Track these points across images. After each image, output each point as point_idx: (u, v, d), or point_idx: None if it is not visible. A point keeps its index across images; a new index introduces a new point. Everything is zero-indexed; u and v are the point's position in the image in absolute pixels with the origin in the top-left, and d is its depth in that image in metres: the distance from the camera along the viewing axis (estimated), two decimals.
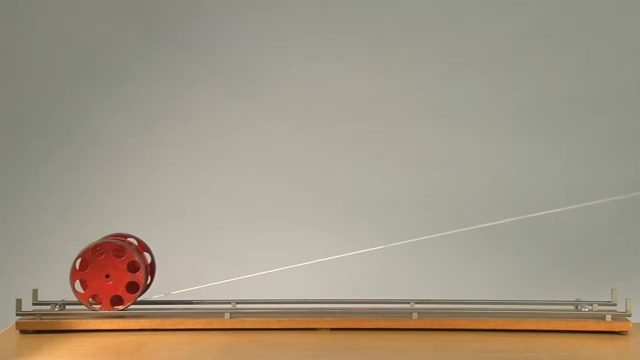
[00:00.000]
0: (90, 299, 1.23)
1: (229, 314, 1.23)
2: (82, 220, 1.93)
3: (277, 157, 1.95)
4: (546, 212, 1.28)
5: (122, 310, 1.23)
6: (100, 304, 1.23)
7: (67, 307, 1.27)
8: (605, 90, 1.93)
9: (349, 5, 1.94)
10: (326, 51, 1.93)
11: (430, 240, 1.93)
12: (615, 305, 1.26)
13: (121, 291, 1.23)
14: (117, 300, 1.23)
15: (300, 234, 1.93)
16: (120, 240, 1.25)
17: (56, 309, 1.25)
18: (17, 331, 1.22)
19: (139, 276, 1.23)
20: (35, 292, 1.27)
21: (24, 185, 1.93)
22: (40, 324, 1.22)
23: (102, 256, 1.23)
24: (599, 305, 1.26)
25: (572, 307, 1.27)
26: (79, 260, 1.23)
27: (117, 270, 1.23)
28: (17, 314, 1.23)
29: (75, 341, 1.17)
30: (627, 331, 1.21)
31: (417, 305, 1.27)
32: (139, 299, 1.25)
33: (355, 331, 1.22)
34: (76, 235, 1.92)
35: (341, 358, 1.12)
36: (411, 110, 1.95)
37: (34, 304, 1.26)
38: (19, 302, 1.23)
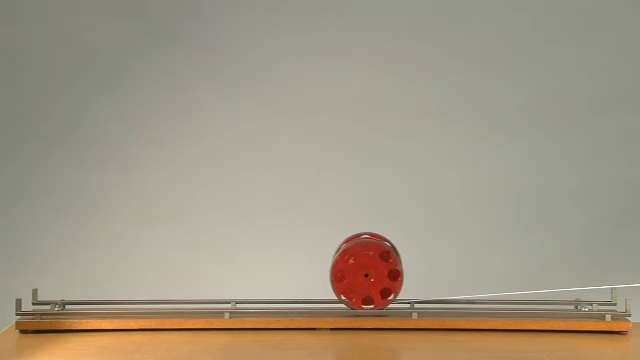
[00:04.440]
0: (363, 304, 1.24)
1: (229, 314, 1.23)
2: (82, 220, 1.93)
3: (277, 157, 1.95)
4: None
5: (393, 299, 1.23)
6: (372, 304, 1.23)
7: (67, 307, 1.27)
8: (605, 90, 1.93)
9: (349, 5, 1.94)
10: (326, 51, 1.94)
11: (429, 240, 1.94)
12: (615, 305, 1.26)
13: (386, 282, 1.23)
14: (386, 293, 1.23)
15: (300, 233, 1.94)
16: (358, 239, 1.25)
17: (56, 309, 1.25)
18: (17, 331, 1.22)
19: (394, 262, 1.23)
20: (35, 292, 1.27)
21: (24, 185, 1.94)
22: (40, 324, 1.22)
23: (353, 261, 1.23)
24: (599, 305, 1.26)
25: (572, 307, 1.27)
26: (336, 275, 1.23)
27: (373, 267, 1.23)
28: (17, 314, 1.23)
29: (75, 341, 1.17)
30: (627, 331, 1.21)
31: (417, 305, 1.27)
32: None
33: (355, 331, 1.22)
34: (76, 235, 1.93)
35: (341, 358, 1.12)
36: (411, 110, 1.95)
37: (34, 304, 1.26)
38: (19, 302, 1.23)
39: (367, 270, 1.23)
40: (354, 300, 1.23)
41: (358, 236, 1.27)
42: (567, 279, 1.88)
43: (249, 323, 1.23)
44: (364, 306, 1.24)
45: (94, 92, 1.93)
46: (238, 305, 1.27)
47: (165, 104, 1.94)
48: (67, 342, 1.17)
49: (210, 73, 1.94)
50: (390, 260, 1.23)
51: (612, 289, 1.27)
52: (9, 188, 1.93)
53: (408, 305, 1.27)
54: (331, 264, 1.24)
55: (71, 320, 1.22)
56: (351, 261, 1.23)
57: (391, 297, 1.24)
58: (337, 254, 1.24)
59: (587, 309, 1.25)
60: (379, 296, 1.23)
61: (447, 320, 1.23)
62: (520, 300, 1.29)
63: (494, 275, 1.90)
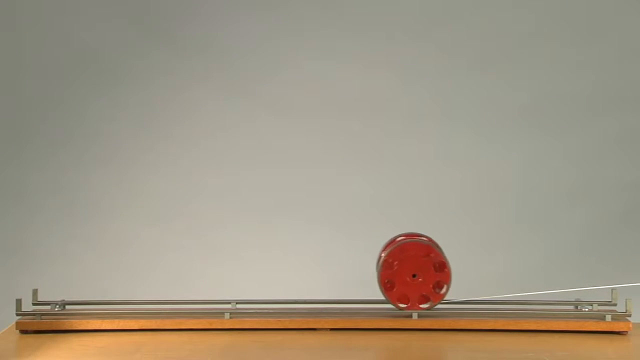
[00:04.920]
0: (419, 304, 1.23)
1: (229, 314, 1.23)
2: (82, 220, 1.93)
3: (276, 157, 1.95)
4: None
5: (447, 290, 1.23)
6: (429, 301, 1.23)
7: (67, 307, 1.27)
8: (606, 90, 1.93)
9: (349, 5, 1.94)
10: (326, 51, 1.93)
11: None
12: (615, 305, 1.26)
13: (435, 276, 1.23)
14: (439, 285, 1.23)
15: (300, 233, 1.94)
16: (394, 243, 1.25)
17: (56, 309, 1.25)
18: (17, 331, 1.22)
19: (436, 254, 1.23)
20: (35, 292, 1.27)
21: (24, 185, 1.93)
22: (40, 324, 1.22)
23: (396, 266, 1.23)
24: (599, 305, 1.26)
25: (572, 307, 1.27)
26: (385, 284, 1.23)
27: (418, 266, 1.23)
28: (17, 314, 1.23)
29: (75, 341, 1.17)
30: (627, 331, 1.21)
31: None
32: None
33: (355, 331, 1.22)
34: (76, 235, 1.93)
35: (341, 358, 1.12)
36: (411, 109, 1.95)
37: (34, 304, 1.26)
38: (19, 302, 1.23)
39: (414, 271, 1.23)
40: (409, 304, 1.23)
41: (393, 240, 1.27)
42: (567, 279, 1.88)
43: (249, 323, 1.23)
44: (421, 306, 1.23)
45: (94, 92, 1.93)
46: (238, 305, 1.27)
47: (165, 104, 1.94)
48: (67, 342, 1.17)
49: (210, 73, 1.94)
50: (432, 254, 1.23)
51: (612, 289, 1.27)
52: (9, 188, 1.93)
53: None
54: (377, 275, 1.24)
55: (71, 320, 1.22)
56: (395, 266, 1.23)
57: (444, 289, 1.23)
58: (380, 264, 1.24)
59: (587, 309, 1.25)
60: (433, 291, 1.23)
61: (447, 320, 1.23)
62: (520, 300, 1.29)
63: (494, 275, 1.90)
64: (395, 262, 1.23)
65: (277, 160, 1.95)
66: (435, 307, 1.27)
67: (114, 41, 1.93)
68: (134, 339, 1.19)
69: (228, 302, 1.27)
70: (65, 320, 1.22)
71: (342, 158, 1.95)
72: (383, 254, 1.25)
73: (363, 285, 1.90)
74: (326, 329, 1.23)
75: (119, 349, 1.14)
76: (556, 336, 1.20)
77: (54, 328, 1.22)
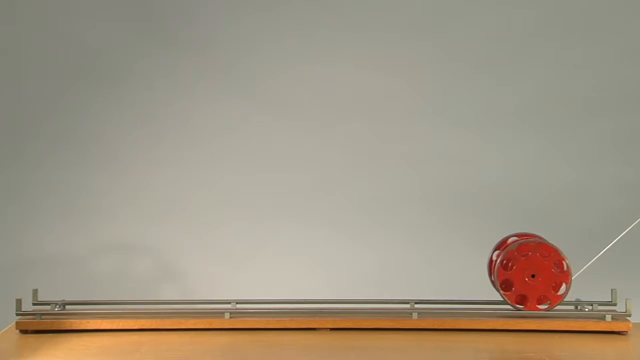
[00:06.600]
0: (538, 304, 1.22)
1: (229, 314, 1.23)
2: (82, 220, 1.93)
3: (277, 157, 1.95)
4: None
5: (566, 291, 1.22)
6: (547, 301, 1.22)
7: (67, 307, 1.27)
8: (604, 90, 1.93)
9: (349, 6, 1.94)
10: (326, 51, 1.94)
11: (428, 240, 1.94)
12: (615, 305, 1.26)
13: (554, 276, 1.22)
14: (558, 286, 1.22)
15: (300, 233, 1.93)
16: (507, 245, 1.24)
17: (56, 309, 1.25)
18: (17, 331, 1.22)
19: (555, 252, 1.22)
20: (35, 292, 1.27)
21: (24, 185, 1.93)
22: (40, 324, 1.22)
23: (514, 266, 1.22)
24: (599, 305, 1.26)
25: (572, 307, 1.27)
26: (503, 285, 1.23)
27: (536, 266, 1.22)
28: (17, 314, 1.23)
29: (75, 341, 1.17)
30: (627, 331, 1.21)
31: (417, 305, 1.27)
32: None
33: (355, 331, 1.22)
34: (76, 235, 1.93)
35: (341, 358, 1.12)
36: (411, 110, 1.95)
37: (34, 304, 1.26)
38: (19, 302, 1.23)
39: (533, 271, 1.22)
40: (528, 305, 1.22)
41: (505, 241, 1.27)
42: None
43: (249, 323, 1.23)
44: (539, 306, 1.23)
45: (94, 92, 1.93)
46: (238, 305, 1.27)
47: (165, 104, 1.94)
48: (67, 342, 1.17)
49: (210, 73, 1.94)
50: (551, 254, 1.22)
51: (612, 289, 1.27)
52: (9, 188, 1.93)
53: (408, 305, 1.27)
54: (493, 276, 1.24)
55: (71, 320, 1.22)
56: (512, 267, 1.22)
57: (564, 289, 1.22)
58: (497, 264, 1.23)
59: (587, 309, 1.25)
60: (552, 292, 1.22)
61: (447, 320, 1.23)
62: None
63: None
64: (512, 263, 1.22)
65: (277, 160, 1.95)
66: (435, 307, 1.27)
67: (114, 41, 1.93)
68: (134, 339, 1.19)
69: (228, 302, 1.27)
70: (65, 320, 1.22)
71: (341, 158, 1.95)
72: (497, 255, 1.24)
73: (363, 285, 1.90)
74: (326, 329, 1.23)
75: (119, 349, 1.14)
76: (556, 336, 1.20)
77: (54, 328, 1.22)
